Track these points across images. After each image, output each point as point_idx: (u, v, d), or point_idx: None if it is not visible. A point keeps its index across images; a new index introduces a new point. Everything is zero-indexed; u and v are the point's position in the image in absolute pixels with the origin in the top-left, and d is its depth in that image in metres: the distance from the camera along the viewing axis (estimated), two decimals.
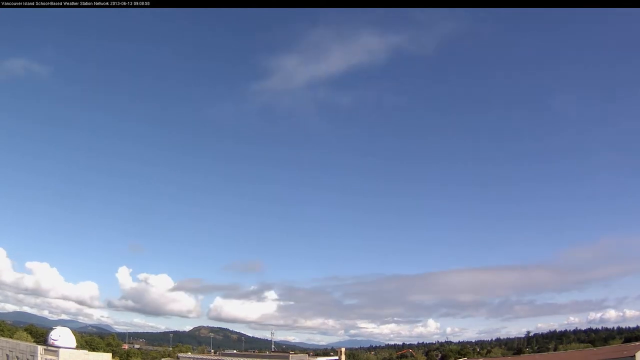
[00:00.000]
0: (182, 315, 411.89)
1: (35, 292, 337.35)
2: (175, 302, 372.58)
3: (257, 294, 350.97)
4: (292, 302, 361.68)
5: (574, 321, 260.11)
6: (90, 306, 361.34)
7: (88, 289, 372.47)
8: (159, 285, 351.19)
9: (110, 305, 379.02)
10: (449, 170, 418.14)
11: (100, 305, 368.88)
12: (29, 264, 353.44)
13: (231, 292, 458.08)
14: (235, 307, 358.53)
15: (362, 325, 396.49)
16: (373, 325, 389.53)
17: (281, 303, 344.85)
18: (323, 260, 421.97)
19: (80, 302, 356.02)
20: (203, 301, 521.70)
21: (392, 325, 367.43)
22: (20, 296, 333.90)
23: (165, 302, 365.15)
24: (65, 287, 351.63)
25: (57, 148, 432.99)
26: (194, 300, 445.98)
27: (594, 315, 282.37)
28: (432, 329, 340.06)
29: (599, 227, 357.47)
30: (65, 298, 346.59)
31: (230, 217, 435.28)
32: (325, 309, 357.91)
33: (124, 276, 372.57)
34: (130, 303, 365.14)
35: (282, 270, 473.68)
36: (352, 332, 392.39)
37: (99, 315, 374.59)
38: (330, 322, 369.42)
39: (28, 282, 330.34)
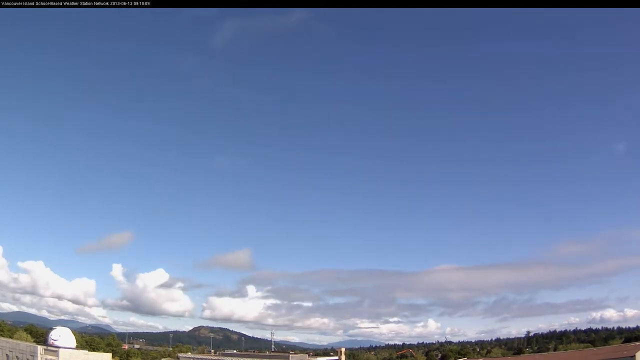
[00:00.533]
0: (178, 314, 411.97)
1: (31, 291, 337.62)
2: (170, 299, 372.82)
3: (251, 292, 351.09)
4: (285, 302, 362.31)
5: (574, 321, 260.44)
6: (85, 304, 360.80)
7: (84, 286, 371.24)
8: (153, 282, 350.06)
9: (105, 304, 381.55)
10: (447, 170, 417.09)
11: (96, 303, 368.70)
12: (23, 264, 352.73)
13: (225, 290, 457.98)
14: (229, 305, 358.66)
15: (362, 325, 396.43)
16: (373, 325, 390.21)
17: (274, 301, 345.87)
18: (322, 260, 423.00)
19: (76, 301, 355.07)
20: (197, 299, 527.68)
21: (392, 325, 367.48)
22: (17, 295, 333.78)
23: (160, 299, 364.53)
24: (61, 286, 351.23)
25: (57, 148, 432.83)
26: (188, 297, 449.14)
27: (594, 315, 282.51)
28: (432, 329, 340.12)
29: (597, 223, 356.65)
30: (60, 297, 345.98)
31: (222, 213, 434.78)
32: (321, 308, 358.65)
33: (118, 274, 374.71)
34: (125, 302, 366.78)
35: (277, 267, 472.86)
36: (352, 332, 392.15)
37: (98, 315, 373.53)
38: (331, 322, 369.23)
39: (23, 280, 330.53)
